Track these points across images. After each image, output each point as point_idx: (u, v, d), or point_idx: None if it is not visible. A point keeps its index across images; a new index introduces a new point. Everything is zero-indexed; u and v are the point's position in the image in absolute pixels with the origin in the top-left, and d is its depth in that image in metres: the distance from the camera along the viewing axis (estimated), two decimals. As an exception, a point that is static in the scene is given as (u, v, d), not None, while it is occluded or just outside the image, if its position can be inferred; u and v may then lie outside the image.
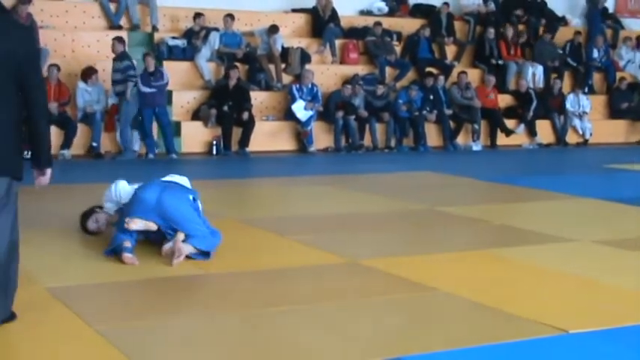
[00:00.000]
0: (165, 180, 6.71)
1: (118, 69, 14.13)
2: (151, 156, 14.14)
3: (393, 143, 16.29)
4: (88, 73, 14.17)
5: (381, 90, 16.36)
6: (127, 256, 6.14)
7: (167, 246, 6.31)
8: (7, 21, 4.60)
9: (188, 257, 6.23)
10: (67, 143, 13.74)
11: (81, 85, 14.12)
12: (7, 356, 4.28)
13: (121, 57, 14.20)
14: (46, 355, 4.30)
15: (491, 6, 19.60)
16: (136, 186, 6.78)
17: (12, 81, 4.44)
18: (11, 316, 4.66)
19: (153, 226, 6.36)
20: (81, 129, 13.98)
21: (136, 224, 6.28)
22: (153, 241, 6.49)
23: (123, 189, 6.81)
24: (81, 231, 7.07)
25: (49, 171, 4.67)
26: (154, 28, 16.29)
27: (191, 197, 6.54)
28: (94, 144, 13.97)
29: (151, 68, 14.25)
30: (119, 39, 14.39)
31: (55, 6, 15.94)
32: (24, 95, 4.49)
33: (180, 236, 6.26)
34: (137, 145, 14.26)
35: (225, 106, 14.75)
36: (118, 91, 14.13)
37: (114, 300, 5.44)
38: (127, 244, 6.24)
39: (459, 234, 7.85)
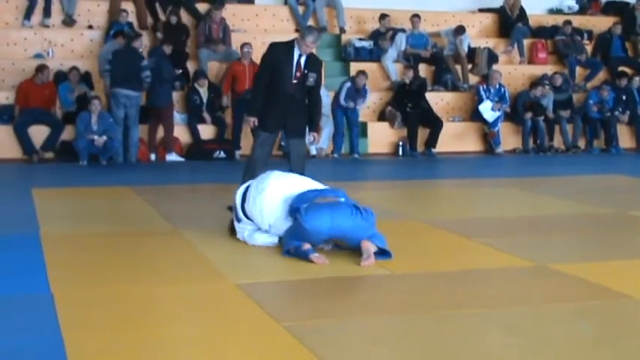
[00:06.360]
0: (322, 191, 6.65)
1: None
2: (335, 155, 14.32)
3: (582, 144, 15.91)
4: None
5: (559, 81, 15.97)
6: (316, 255, 6.19)
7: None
8: None
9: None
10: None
11: (271, 86, 14.42)
12: (202, 349, 4.41)
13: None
14: (237, 350, 4.42)
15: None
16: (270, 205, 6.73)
17: None
18: None
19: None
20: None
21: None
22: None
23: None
24: None
25: None
26: (342, 30, 16.52)
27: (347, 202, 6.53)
28: (282, 143, 14.25)
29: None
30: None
31: (246, 10, 16.41)
32: None
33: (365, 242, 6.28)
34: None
35: (407, 107, 14.80)
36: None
37: (301, 297, 5.55)
38: (307, 246, 6.27)
39: (654, 240, 7.56)
